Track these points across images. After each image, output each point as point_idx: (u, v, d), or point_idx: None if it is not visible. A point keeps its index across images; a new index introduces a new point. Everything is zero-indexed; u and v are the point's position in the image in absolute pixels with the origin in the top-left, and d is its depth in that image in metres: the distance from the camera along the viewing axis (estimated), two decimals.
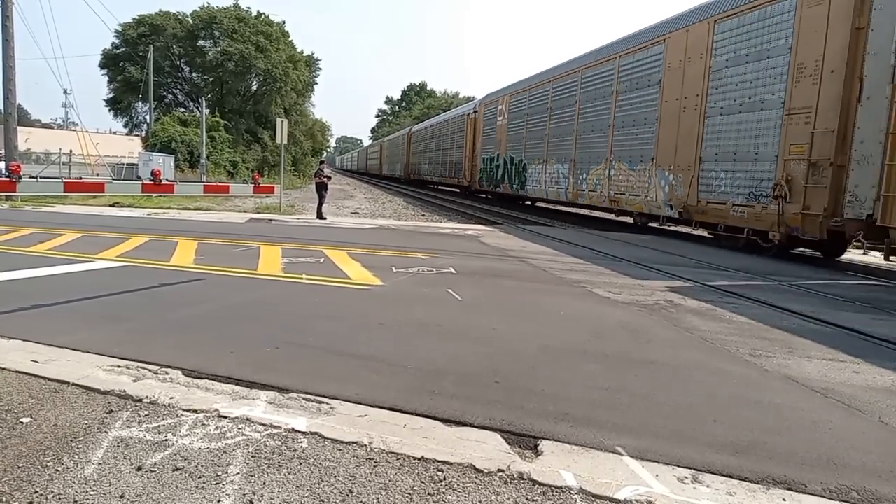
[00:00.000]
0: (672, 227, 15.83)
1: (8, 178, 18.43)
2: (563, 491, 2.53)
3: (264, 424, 3.05)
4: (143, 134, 44.05)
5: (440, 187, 34.49)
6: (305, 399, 3.42)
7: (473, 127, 26.59)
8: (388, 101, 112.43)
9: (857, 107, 8.99)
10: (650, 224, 14.60)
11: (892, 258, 8.71)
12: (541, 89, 19.83)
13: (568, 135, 17.63)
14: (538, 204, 22.38)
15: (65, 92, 65.68)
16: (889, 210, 8.33)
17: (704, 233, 13.59)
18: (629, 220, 16.28)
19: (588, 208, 17.46)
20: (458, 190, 30.17)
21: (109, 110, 49.15)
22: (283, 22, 48.23)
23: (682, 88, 12.69)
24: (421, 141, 38.80)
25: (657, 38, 13.64)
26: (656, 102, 13.53)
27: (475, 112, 26.62)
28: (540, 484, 2.57)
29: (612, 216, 17.76)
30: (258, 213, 18.05)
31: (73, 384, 3.53)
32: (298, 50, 49.65)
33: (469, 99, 65.83)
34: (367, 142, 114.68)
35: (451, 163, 30.51)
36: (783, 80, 10.16)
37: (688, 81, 12.52)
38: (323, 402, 3.37)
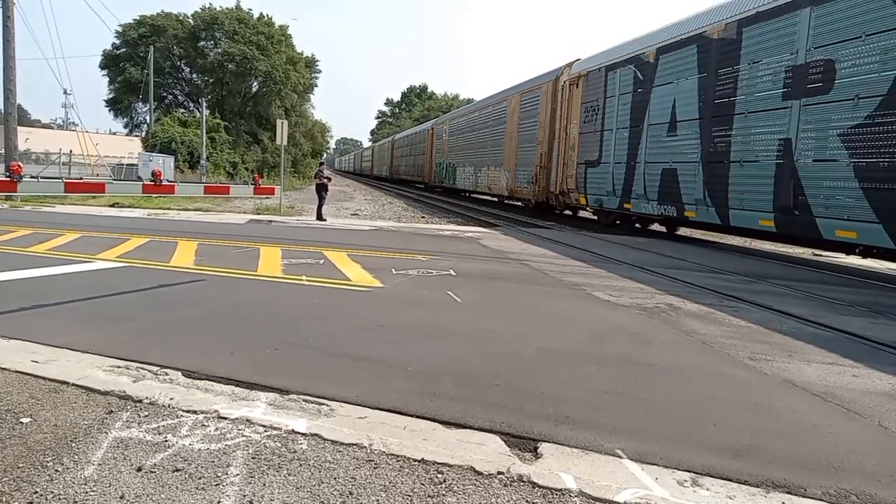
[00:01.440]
0: (658, 229, 15.86)
1: (8, 178, 18.42)
2: (562, 493, 2.53)
3: (264, 426, 3.05)
4: (143, 134, 44.05)
5: (412, 184, 43.25)
6: (305, 400, 3.42)
7: (431, 139, 36.06)
8: (388, 102, 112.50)
9: (554, 141, 18.47)
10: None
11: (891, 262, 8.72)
12: (463, 118, 30.11)
13: (473, 149, 27.32)
14: (468, 195, 31.03)
15: (65, 92, 65.71)
16: (557, 186, 18.07)
17: (704, 234, 13.63)
18: (494, 199, 26.69)
19: (481, 193, 27.16)
20: (422, 185, 39.20)
21: (109, 111, 49.20)
22: (287, 25, 48.21)
23: (510, 127, 22.15)
24: (400, 147, 48.55)
25: (505, 98, 23.13)
26: (503, 134, 22.81)
27: (432, 129, 36.36)
28: (540, 486, 2.58)
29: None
30: (258, 214, 18.05)
31: (73, 384, 3.53)
32: (298, 51, 49.73)
33: (470, 100, 67.10)
34: (366, 143, 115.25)
35: (418, 165, 40.13)
36: (537, 128, 19.54)
37: (511, 124, 21.98)
38: (323, 404, 3.38)
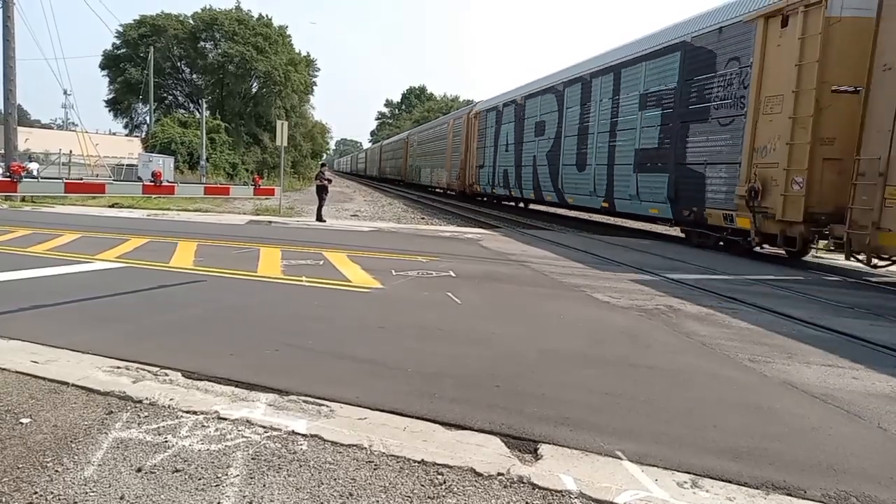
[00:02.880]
0: (667, 231, 15.87)
1: (9, 178, 18.42)
2: (562, 495, 2.53)
3: (264, 426, 3.05)
4: (143, 135, 44.06)
5: (394, 181, 51.58)
6: (305, 401, 3.42)
7: (406, 147, 45.29)
8: (388, 103, 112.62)
9: (467, 152, 27.86)
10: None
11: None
12: (424, 133, 39.98)
13: (429, 156, 36.72)
14: (429, 189, 38.71)
15: (65, 92, 65.61)
16: (469, 181, 27.51)
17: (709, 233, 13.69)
18: (440, 190, 35.21)
19: (435, 186, 35.93)
20: (400, 181, 47.94)
21: (109, 111, 49.25)
22: (286, 26, 48.25)
23: (447, 142, 31.25)
24: (386, 152, 58.27)
25: (445, 121, 33.07)
26: (445, 146, 31.94)
27: (407, 138, 45.88)
28: (540, 488, 2.57)
29: (609, 220, 19.40)
30: (258, 215, 18.05)
31: (73, 385, 3.52)
32: (297, 52, 49.77)
33: (469, 101, 68.15)
34: (366, 144, 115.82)
35: (398, 167, 49.21)
36: (461, 142, 28.73)
37: (448, 140, 31.11)
38: (323, 405, 3.37)
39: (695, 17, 12.64)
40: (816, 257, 12.54)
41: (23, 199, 19.09)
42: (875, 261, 8.97)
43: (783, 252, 11.29)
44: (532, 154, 20.09)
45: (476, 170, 26.43)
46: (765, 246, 11.32)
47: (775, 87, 9.98)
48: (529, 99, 20.70)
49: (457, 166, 29.31)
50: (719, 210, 11.45)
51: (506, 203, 26.59)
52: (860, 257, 9.04)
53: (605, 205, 15.70)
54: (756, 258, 11.23)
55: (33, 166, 24.81)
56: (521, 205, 25.75)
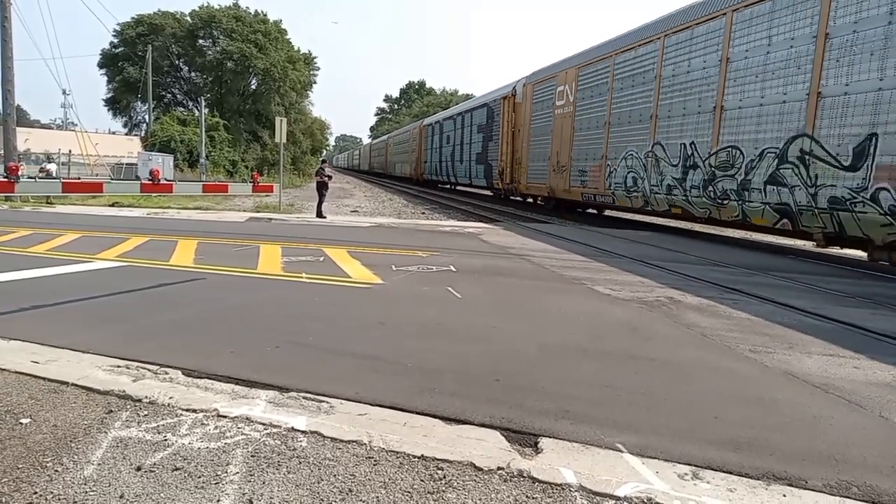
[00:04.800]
0: (666, 223, 15.83)
1: (6, 179, 18.41)
2: (563, 488, 2.52)
3: (264, 423, 3.05)
4: (143, 134, 44.00)
5: (380, 175, 61.11)
6: (305, 398, 3.41)
7: (387, 147, 57.14)
8: (388, 99, 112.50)
9: (420, 151, 41.39)
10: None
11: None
12: (397, 136, 51.37)
13: (399, 154, 47.86)
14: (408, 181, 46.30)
15: (63, 92, 65.38)
16: (423, 172, 38.67)
17: (716, 229, 13.63)
18: (403, 174, 45.11)
19: (405, 175, 45.08)
20: (383, 174, 58.43)
21: (108, 110, 49.15)
22: (280, 20, 48.04)
23: (409, 145, 43.04)
24: (374, 150, 70.57)
25: (407, 130, 46.48)
26: (407, 146, 43.59)
27: (388, 140, 57.71)
28: (540, 481, 2.57)
29: (613, 213, 19.38)
30: (258, 212, 18.04)
31: (73, 384, 3.52)
32: (296, 49, 49.60)
33: (468, 96, 69.27)
34: (366, 140, 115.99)
35: (382, 163, 60.00)
36: (415, 146, 41.71)
37: (409, 143, 43.04)
38: (323, 401, 3.37)
39: (491, 92, 25.97)
40: (818, 248, 12.49)
41: (25, 199, 19.13)
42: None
43: (784, 243, 11.24)
44: (447, 153, 32.52)
45: (422, 164, 38.66)
46: (512, 196, 23.59)
47: (506, 127, 22.06)
48: (446, 121, 33.03)
49: (413, 161, 40.45)
50: (497, 181, 23.28)
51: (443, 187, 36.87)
52: None
53: (468, 182, 28.37)
54: (757, 249, 11.20)
55: (52, 167, 25.19)
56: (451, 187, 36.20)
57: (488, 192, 27.48)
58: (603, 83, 15.52)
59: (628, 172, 14.24)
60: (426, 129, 37.34)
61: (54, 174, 23.78)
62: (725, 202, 11.08)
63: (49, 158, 26.51)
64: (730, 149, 10.99)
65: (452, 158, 30.68)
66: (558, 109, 18.11)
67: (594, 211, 19.35)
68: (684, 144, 12.22)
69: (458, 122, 29.96)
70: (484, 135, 25.10)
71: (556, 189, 18.36)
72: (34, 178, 20.87)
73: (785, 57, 9.83)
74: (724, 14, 11.11)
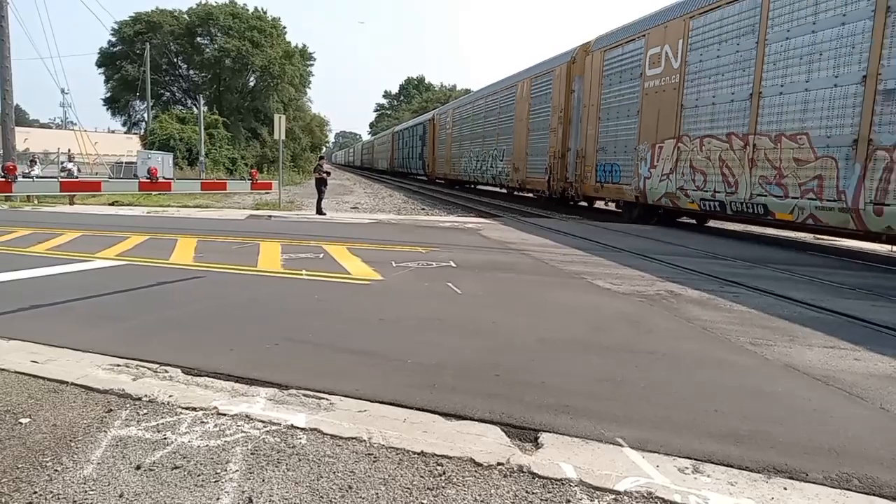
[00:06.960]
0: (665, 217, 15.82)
1: (3, 179, 18.39)
2: (562, 483, 2.52)
3: (263, 421, 3.05)
4: (142, 132, 43.97)
5: (369, 170, 68.27)
6: (305, 395, 3.41)
7: (372, 147, 69.16)
8: (387, 95, 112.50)
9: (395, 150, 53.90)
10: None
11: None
12: (379, 138, 66.55)
13: (381, 153, 59.23)
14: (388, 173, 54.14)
15: (62, 91, 65.36)
16: (397, 164, 49.16)
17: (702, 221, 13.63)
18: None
19: (385, 169, 53.12)
20: (370, 169, 66.35)
21: (107, 109, 49.14)
22: (279, 18, 47.92)
23: (385, 146, 58.10)
24: (365, 148, 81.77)
25: (387, 133, 61.38)
26: (386, 148, 56.17)
27: (373, 141, 68.69)
28: (540, 476, 2.56)
29: (610, 207, 18.78)
30: (257, 209, 18.03)
31: (73, 384, 3.52)
32: (293, 45, 49.48)
33: (467, 91, 69.27)
34: (365, 136, 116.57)
35: (371, 160, 68.55)
36: (388, 148, 56.21)
37: (383, 146, 60.16)
38: (322, 398, 3.37)
39: (435, 110, 35.78)
40: (817, 238, 12.48)
41: (26, 199, 19.14)
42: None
43: (784, 235, 11.18)
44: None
45: (391, 161, 48.61)
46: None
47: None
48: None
49: (388, 159, 52.43)
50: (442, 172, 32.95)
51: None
52: None
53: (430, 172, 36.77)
54: (756, 241, 11.17)
55: (72, 166, 25.95)
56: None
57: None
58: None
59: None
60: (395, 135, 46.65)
61: (76, 174, 24.83)
62: None
63: (70, 157, 27.14)
64: None
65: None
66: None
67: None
68: None
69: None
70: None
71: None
72: (32, 178, 20.87)
73: None
74: None
